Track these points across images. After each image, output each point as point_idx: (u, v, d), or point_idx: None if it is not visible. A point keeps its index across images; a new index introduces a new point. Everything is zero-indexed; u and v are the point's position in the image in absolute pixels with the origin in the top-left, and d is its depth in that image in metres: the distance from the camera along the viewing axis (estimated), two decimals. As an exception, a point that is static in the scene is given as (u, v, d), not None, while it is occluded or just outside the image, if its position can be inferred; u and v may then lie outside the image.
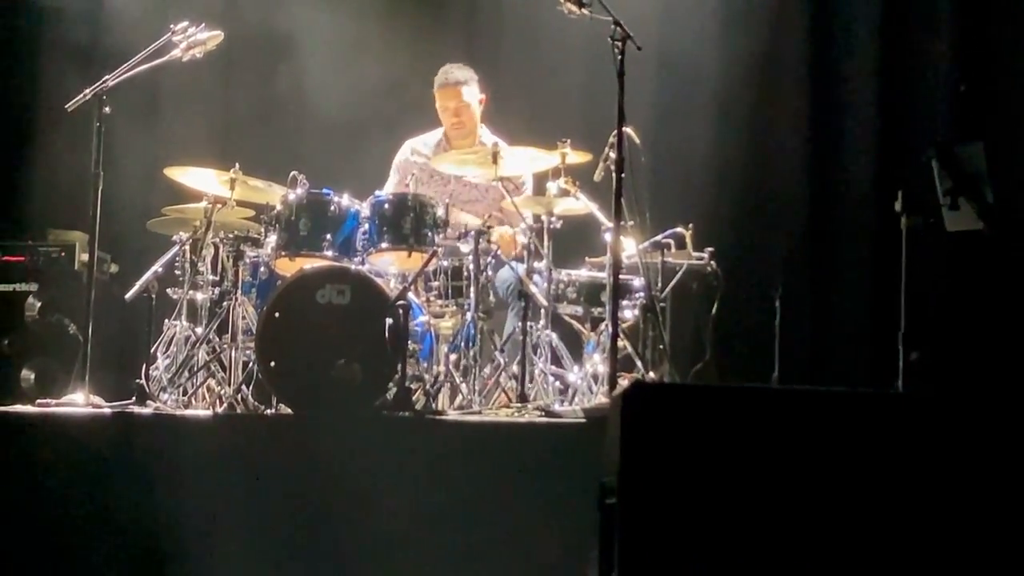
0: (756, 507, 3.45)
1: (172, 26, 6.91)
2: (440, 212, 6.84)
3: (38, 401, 6.79)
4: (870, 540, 3.51)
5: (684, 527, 3.42)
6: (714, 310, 7.00)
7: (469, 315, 6.73)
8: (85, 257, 7.37)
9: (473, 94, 7.71)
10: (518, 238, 7.19)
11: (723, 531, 3.43)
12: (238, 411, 6.60)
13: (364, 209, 6.87)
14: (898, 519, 3.55)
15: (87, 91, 6.72)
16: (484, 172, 7.08)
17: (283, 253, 6.81)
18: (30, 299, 8.12)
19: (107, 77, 6.75)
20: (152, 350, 6.94)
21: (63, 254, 8.17)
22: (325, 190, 6.90)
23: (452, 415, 6.40)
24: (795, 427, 3.52)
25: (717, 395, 3.55)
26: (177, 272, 7.03)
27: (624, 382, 6.46)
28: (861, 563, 3.48)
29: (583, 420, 6.00)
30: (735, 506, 3.45)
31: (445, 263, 6.81)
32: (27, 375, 8.05)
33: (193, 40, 6.91)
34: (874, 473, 3.55)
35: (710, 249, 7.02)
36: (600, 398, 6.48)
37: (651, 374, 6.57)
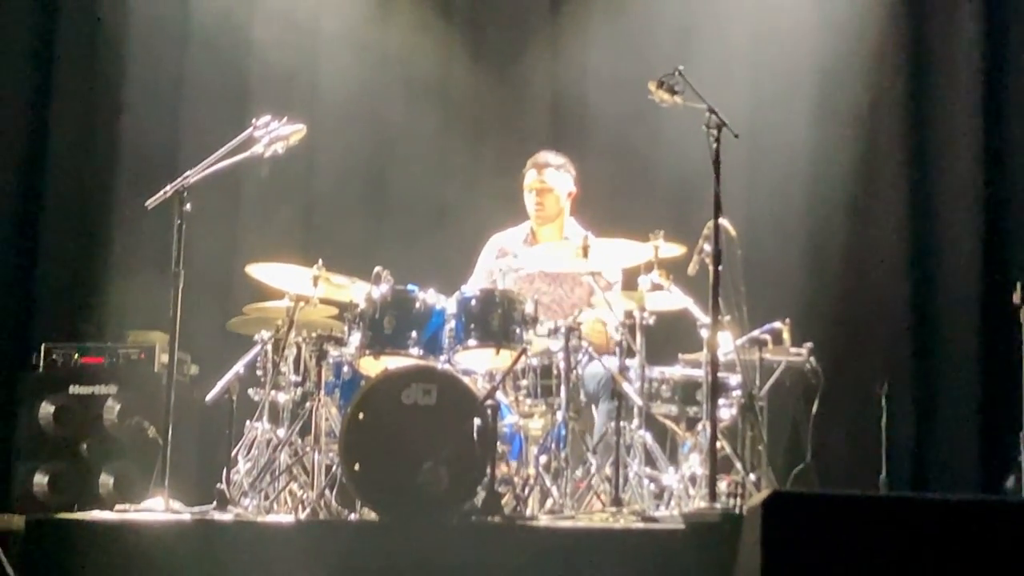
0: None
1: (254, 121, 6.78)
2: (528, 308, 6.65)
3: (117, 506, 6.64)
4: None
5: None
6: (814, 409, 6.78)
7: (559, 415, 6.52)
8: (165, 358, 7.22)
9: (560, 181, 7.54)
10: (610, 332, 6.96)
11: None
12: (321, 516, 6.40)
13: (450, 305, 6.69)
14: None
15: (167, 188, 6.60)
16: (573, 266, 6.89)
17: (367, 352, 6.63)
18: (109, 402, 8.02)
19: (188, 173, 6.62)
20: (233, 453, 6.77)
21: (143, 356, 8.06)
22: (410, 286, 6.74)
23: (544, 520, 6.16)
24: (952, 538, 3.24)
25: (865, 504, 3.29)
26: (259, 372, 6.91)
27: (723, 485, 6.23)
28: None
29: (682, 526, 5.72)
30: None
31: (534, 361, 6.62)
32: (106, 480, 7.93)
33: (275, 135, 6.78)
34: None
35: (809, 345, 6.78)
36: (698, 501, 6.21)
37: (751, 476, 6.31)
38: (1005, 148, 8.30)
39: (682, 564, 5.40)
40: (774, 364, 6.72)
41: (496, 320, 6.58)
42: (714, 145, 6.06)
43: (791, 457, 6.87)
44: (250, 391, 6.90)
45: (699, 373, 6.59)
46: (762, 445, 6.45)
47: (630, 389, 6.54)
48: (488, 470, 6.07)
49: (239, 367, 6.82)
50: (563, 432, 6.50)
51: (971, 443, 8.03)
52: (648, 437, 6.63)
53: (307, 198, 8.83)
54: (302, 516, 6.42)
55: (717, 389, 6.20)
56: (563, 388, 6.53)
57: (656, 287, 6.64)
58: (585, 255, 6.75)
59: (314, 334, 6.87)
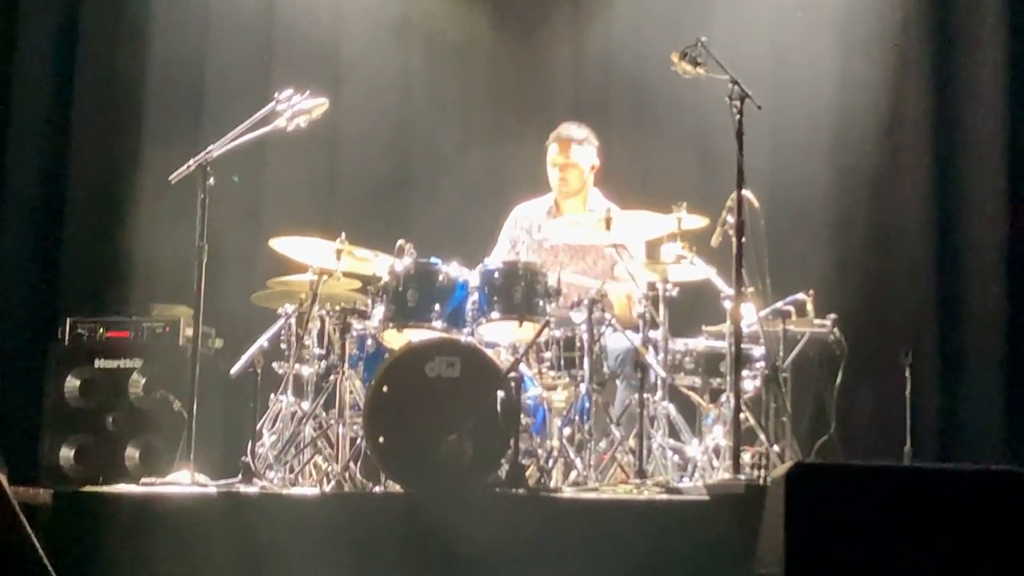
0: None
1: (277, 94, 6.78)
2: (551, 280, 6.65)
3: (143, 480, 6.66)
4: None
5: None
6: (838, 380, 6.76)
7: (583, 387, 6.53)
8: (190, 332, 7.24)
9: (585, 155, 7.53)
10: (633, 304, 6.95)
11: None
12: (346, 489, 6.42)
13: (473, 278, 6.69)
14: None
15: (191, 162, 6.59)
16: (595, 238, 6.88)
17: (391, 325, 6.64)
18: (134, 375, 8.03)
19: (211, 147, 6.61)
20: (258, 426, 6.79)
21: (167, 329, 8.07)
22: (433, 259, 6.73)
23: (567, 492, 6.17)
24: (977, 509, 3.23)
25: (889, 475, 3.29)
26: (283, 346, 6.92)
27: (747, 456, 6.23)
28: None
29: (706, 497, 5.72)
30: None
31: (557, 333, 6.62)
32: (132, 453, 7.95)
33: (298, 109, 6.77)
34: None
35: (833, 316, 6.77)
36: (722, 473, 6.22)
37: (775, 448, 6.30)
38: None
39: (706, 535, 5.39)
40: (798, 335, 6.71)
41: (519, 292, 6.58)
42: (737, 116, 6.04)
43: (815, 428, 6.85)
44: (274, 364, 6.91)
45: (723, 345, 6.58)
46: (786, 416, 6.45)
47: (653, 361, 6.54)
48: (512, 442, 6.08)
49: (263, 340, 6.84)
50: (586, 404, 6.51)
51: (996, 414, 8.00)
52: (672, 409, 6.63)
53: (330, 171, 8.83)
54: (327, 489, 6.45)
55: (741, 361, 6.20)
56: (586, 360, 6.53)
57: (679, 258, 6.62)
58: (608, 227, 6.75)
59: (338, 307, 6.88)
